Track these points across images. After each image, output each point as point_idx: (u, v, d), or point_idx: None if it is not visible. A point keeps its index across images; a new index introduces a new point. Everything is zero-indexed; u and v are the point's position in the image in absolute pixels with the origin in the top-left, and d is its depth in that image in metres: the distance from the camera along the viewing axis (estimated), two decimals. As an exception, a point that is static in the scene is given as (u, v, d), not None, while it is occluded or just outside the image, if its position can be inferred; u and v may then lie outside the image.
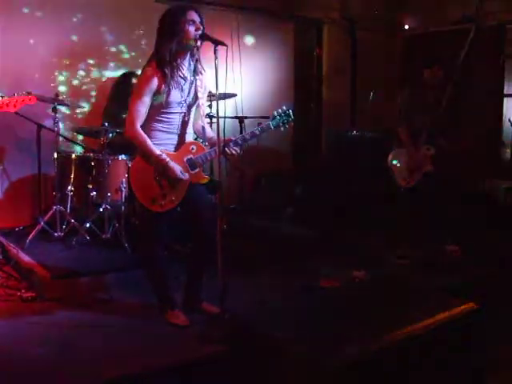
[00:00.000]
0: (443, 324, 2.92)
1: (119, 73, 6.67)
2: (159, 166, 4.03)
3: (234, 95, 6.56)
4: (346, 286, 4.62)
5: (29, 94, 4.88)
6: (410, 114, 5.93)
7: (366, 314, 2.95)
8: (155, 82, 4.01)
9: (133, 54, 6.74)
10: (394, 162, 5.97)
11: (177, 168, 4.06)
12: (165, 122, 4.12)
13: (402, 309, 3.11)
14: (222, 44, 3.85)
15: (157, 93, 4.03)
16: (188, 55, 4.13)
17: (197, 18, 4.00)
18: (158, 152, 4.02)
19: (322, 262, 5.97)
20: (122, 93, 6.16)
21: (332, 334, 2.76)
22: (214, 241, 4.21)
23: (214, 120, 6.22)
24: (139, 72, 4.22)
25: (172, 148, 4.16)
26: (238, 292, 4.78)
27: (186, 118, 4.20)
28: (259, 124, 4.30)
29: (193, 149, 4.20)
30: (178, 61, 4.07)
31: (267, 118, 4.33)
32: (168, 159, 4.03)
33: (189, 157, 4.17)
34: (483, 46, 7.94)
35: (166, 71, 4.01)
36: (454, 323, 2.99)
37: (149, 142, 4.04)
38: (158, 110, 4.08)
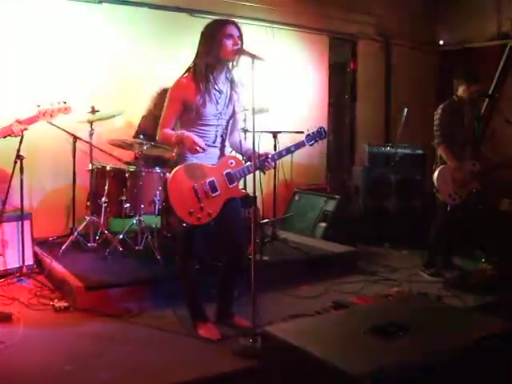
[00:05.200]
0: (477, 344, 2.87)
1: (155, 87, 6.74)
2: (178, 140, 4.04)
3: (267, 110, 6.58)
4: (379, 303, 4.58)
5: (64, 103, 4.94)
6: (449, 130, 5.83)
7: (398, 332, 2.91)
8: (187, 91, 4.06)
9: (169, 68, 6.80)
10: (440, 180, 5.86)
11: (193, 136, 4.03)
12: (202, 134, 4.12)
13: (435, 327, 3.07)
14: (260, 59, 3.85)
15: (190, 103, 4.06)
16: (225, 69, 4.16)
17: (235, 33, 4.03)
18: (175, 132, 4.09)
19: (354, 279, 5.95)
20: (158, 107, 6.20)
21: (364, 352, 2.73)
22: (244, 256, 4.24)
23: (248, 134, 6.30)
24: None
25: (211, 161, 4.17)
26: (270, 307, 4.79)
27: (223, 132, 4.22)
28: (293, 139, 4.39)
29: (232, 163, 4.21)
30: (214, 74, 4.10)
31: (301, 132, 4.40)
32: (185, 132, 4.05)
33: (227, 171, 4.18)
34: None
35: (201, 84, 4.05)
36: (489, 343, 2.93)
37: (169, 131, 4.10)
38: (194, 121, 4.11)
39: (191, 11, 7.28)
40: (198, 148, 3.99)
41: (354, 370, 2.46)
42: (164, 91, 6.33)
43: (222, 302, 4.51)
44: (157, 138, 4.22)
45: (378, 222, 7.74)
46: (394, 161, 7.61)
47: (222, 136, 4.22)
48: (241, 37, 4.06)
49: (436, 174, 5.90)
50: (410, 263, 6.55)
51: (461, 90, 5.94)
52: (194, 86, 4.06)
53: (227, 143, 4.29)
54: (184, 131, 4.05)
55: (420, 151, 8.07)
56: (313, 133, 4.38)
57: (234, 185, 4.22)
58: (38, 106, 4.81)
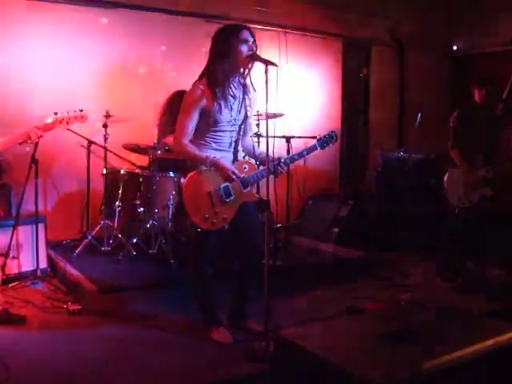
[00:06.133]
0: (492, 350, 2.86)
1: (169, 91, 6.76)
2: (212, 164, 4.04)
3: (281, 115, 6.59)
4: (392, 308, 4.57)
5: (81, 111, 4.96)
6: (462, 135, 5.83)
7: (412, 338, 2.90)
8: (204, 99, 4.04)
9: (182, 72, 6.84)
10: (449, 182, 5.86)
11: (228, 164, 4.08)
12: (216, 140, 4.14)
13: (449, 333, 3.06)
14: (273, 64, 3.84)
15: (206, 110, 4.06)
16: (238, 74, 4.16)
17: (250, 38, 4.02)
18: (207, 154, 4.05)
19: (367, 284, 5.94)
20: (174, 110, 6.21)
21: (378, 357, 2.73)
22: (260, 259, 4.24)
23: (261, 139, 6.30)
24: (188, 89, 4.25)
25: None
26: (283, 311, 4.79)
27: (237, 136, 4.23)
28: (306, 144, 4.41)
29: (245, 168, 4.21)
30: (230, 79, 4.10)
31: (314, 138, 4.42)
32: (218, 157, 4.05)
33: (241, 176, 4.19)
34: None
35: (217, 91, 4.04)
36: (504, 350, 2.92)
37: (195, 149, 4.08)
38: (208, 128, 4.11)
39: (206, 17, 7.30)
40: (234, 177, 4.06)
41: (369, 375, 2.46)
42: (178, 94, 6.38)
43: (236, 304, 4.52)
44: (174, 147, 4.17)
45: (391, 227, 7.72)
46: (407, 166, 7.59)
47: (235, 141, 4.23)
48: (255, 42, 4.06)
49: (447, 176, 5.92)
50: (423, 268, 6.52)
51: (477, 95, 5.93)
52: (210, 92, 4.05)
53: (240, 148, 4.30)
54: (217, 156, 4.05)
55: (433, 156, 8.04)
56: (324, 136, 4.39)
57: (248, 189, 4.22)
58: (55, 113, 4.83)
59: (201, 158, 4.06)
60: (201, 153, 4.08)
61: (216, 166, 4.04)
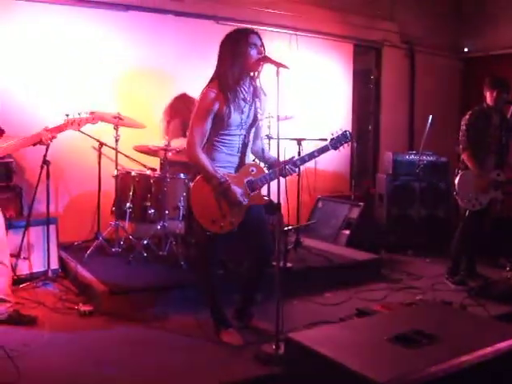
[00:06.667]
0: (503, 353, 2.84)
1: (179, 93, 6.79)
2: (221, 189, 4.04)
3: (292, 117, 6.59)
4: (403, 311, 4.55)
5: (92, 113, 4.98)
6: (474, 137, 5.80)
7: (423, 341, 2.89)
8: (217, 103, 4.03)
9: (193, 74, 6.84)
10: (461, 184, 5.84)
11: (238, 191, 4.07)
12: (225, 143, 4.13)
13: (459, 336, 3.05)
14: (284, 66, 3.84)
15: (218, 114, 4.05)
16: (248, 77, 4.16)
17: (258, 42, 4.03)
18: (219, 175, 4.03)
19: (377, 286, 5.93)
20: (183, 111, 6.22)
21: (389, 360, 2.73)
22: (271, 260, 4.24)
23: (272, 141, 6.31)
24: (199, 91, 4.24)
25: (232, 170, 4.17)
26: (293, 313, 4.79)
27: (246, 140, 4.21)
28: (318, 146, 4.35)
29: (252, 171, 4.21)
30: (240, 83, 4.10)
31: (325, 140, 4.33)
32: (229, 183, 4.04)
33: (249, 179, 4.18)
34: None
35: (229, 95, 4.03)
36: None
37: (210, 165, 4.04)
38: (218, 131, 4.10)
39: (216, 18, 7.31)
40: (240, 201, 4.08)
41: (380, 377, 2.45)
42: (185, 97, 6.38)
43: (242, 304, 4.55)
44: (187, 155, 4.13)
45: (402, 230, 7.71)
46: (418, 169, 7.57)
47: (244, 144, 4.21)
48: (263, 45, 4.06)
49: (458, 178, 5.90)
50: (433, 271, 6.50)
51: (488, 97, 5.91)
52: (222, 97, 4.04)
53: (248, 151, 4.27)
54: (230, 184, 4.03)
55: (444, 159, 8.03)
56: (337, 136, 4.26)
57: (256, 192, 4.21)
58: (67, 115, 4.84)
59: (212, 176, 4.03)
60: (213, 170, 4.03)
61: (226, 191, 4.03)
